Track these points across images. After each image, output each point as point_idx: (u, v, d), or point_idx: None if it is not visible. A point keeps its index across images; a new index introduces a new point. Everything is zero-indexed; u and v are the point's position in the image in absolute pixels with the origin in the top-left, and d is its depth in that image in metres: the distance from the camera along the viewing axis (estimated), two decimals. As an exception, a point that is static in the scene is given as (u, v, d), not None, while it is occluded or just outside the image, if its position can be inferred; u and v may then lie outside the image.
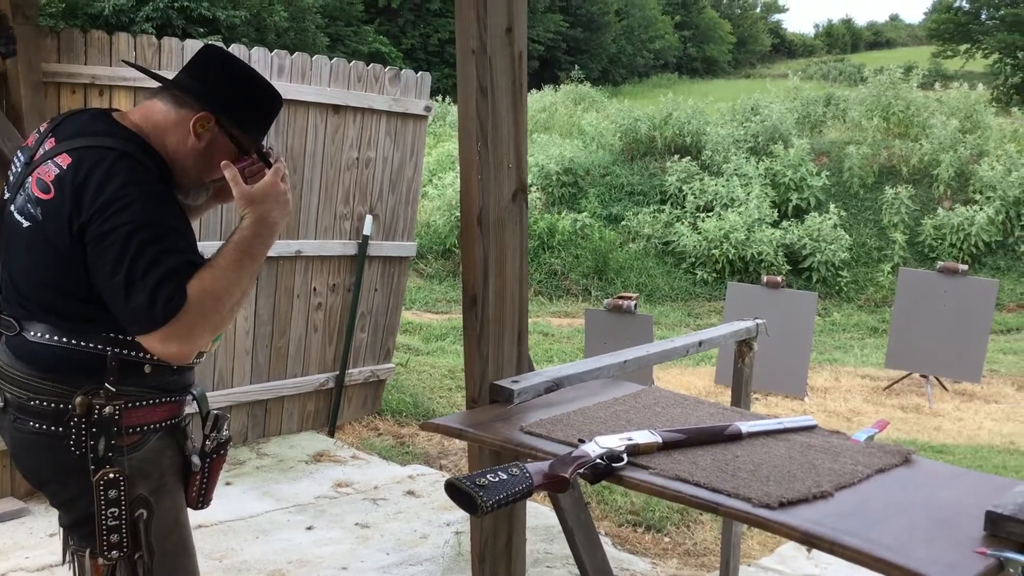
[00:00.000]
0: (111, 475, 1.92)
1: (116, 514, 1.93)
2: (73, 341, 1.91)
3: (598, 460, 1.80)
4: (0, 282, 2.03)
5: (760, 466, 1.83)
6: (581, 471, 1.77)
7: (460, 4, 2.37)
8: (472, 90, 2.37)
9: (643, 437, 1.89)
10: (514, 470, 1.71)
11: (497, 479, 1.67)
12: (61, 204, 1.87)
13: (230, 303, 1.91)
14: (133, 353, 1.94)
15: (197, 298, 1.84)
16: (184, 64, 2.13)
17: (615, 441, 1.85)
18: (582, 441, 1.86)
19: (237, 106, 2.05)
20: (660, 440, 1.89)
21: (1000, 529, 1.53)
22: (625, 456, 1.83)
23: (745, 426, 2.01)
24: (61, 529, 2.12)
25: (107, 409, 1.91)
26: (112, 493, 1.92)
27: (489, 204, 2.41)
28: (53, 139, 1.98)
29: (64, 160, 1.90)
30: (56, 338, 1.91)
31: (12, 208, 1.99)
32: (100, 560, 1.97)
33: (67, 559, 2.10)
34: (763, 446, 1.96)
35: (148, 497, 1.99)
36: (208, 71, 2.06)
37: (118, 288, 1.82)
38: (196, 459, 2.10)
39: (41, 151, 1.98)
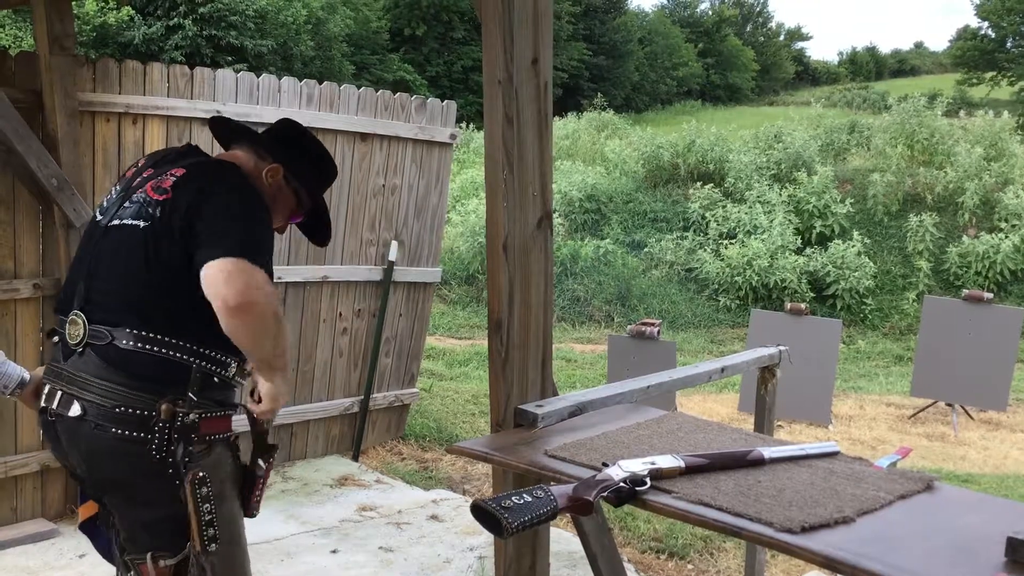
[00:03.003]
0: (200, 474, 2.11)
1: (209, 509, 2.14)
2: (163, 351, 2.09)
3: (621, 484, 1.82)
4: (87, 294, 2.18)
5: (782, 491, 1.84)
6: (604, 494, 1.80)
7: (487, 36, 2.42)
8: (499, 119, 2.41)
9: (666, 461, 1.91)
10: (538, 492, 1.74)
11: (522, 501, 1.70)
12: (179, 198, 2.13)
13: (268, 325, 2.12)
14: (209, 367, 2.14)
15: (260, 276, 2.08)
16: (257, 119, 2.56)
17: (638, 465, 1.87)
18: (605, 465, 1.88)
19: (302, 166, 2.45)
20: (683, 465, 1.91)
21: (1021, 555, 1.54)
22: (648, 480, 1.85)
23: (767, 452, 2.03)
24: (117, 544, 2.28)
25: (190, 416, 2.10)
26: (203, 491, 2.12)
27: (514, 231, 2.45)
28: (151, 169, 2.27)
29: (179, 171, 2.21)
30: (148, 347, 2.09)
31: (118, 221, 2.19)
32: (162, 563, 2.15)
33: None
34: (785, 471, 1.97)
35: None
36: (286, 136, 2.48)
37: (220, 227, 2.10)
38: (261, 463, 2.30)
39: (139, 179, 2.26)
